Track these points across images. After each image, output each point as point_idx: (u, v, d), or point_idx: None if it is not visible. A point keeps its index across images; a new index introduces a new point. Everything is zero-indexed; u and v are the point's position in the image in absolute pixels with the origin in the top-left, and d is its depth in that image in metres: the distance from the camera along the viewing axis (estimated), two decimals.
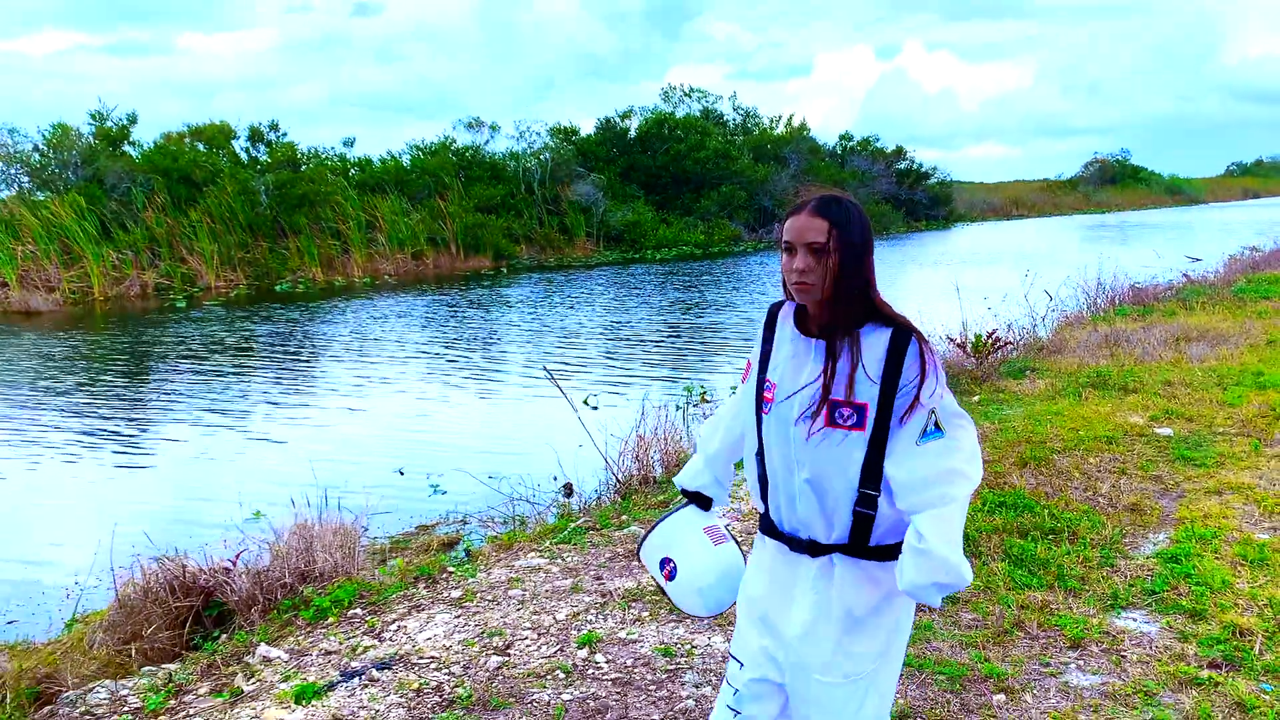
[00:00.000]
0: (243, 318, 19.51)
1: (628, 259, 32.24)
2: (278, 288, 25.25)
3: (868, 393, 2.04)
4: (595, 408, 10.21)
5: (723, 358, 13.67)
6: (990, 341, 9.20)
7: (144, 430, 10.31)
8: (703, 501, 2.51)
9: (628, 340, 15.68)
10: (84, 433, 10.14)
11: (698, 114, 41.87)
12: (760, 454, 2.23)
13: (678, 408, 8.53)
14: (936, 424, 2.03)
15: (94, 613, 5.75)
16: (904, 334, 2.04)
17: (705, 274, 26.93)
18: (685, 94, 42.75)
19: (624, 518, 5.77)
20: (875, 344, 2.05)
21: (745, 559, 2.43)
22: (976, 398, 8.09)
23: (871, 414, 2.04)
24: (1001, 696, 3.36)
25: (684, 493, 2.53)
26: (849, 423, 2.05)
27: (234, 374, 13.26)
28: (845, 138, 48.94)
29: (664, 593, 2.48)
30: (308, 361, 14.27)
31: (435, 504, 7.54)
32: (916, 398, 2.02)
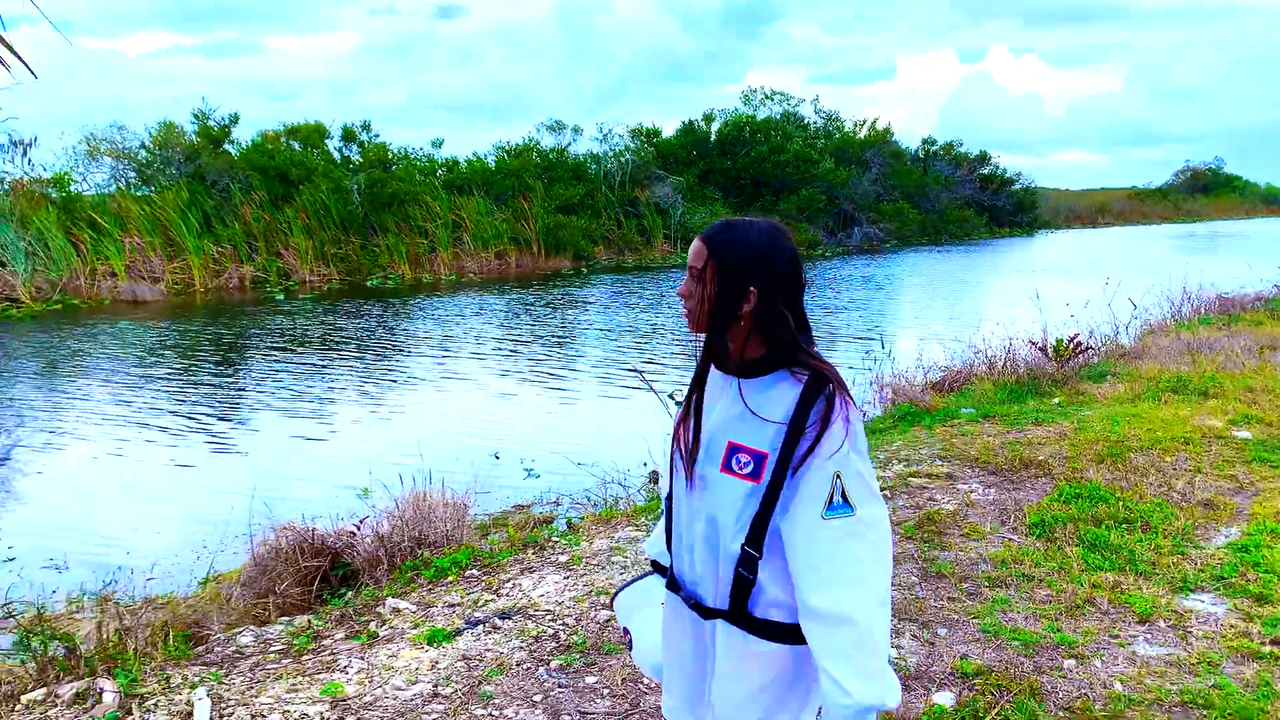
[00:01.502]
0: (337, 311, 20.31)
1: None
2: (368, 283, 26.13)
3: (769, 440, 1.84)
4: (680, 403, 10.58)
5: None
6: (1071, 346, 9.35)
7: (251, 412, 10.95)
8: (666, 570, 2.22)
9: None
10: (196, 415, 10.83)
11: (778, 117, 42.00)
12: (670, 498, 2.09)
13: None
14: (844, 495, 1.80)
15: (225, 573, 6.28)
16: (819, 380, 1.84)
17: None
18: (767, 96, 42.92)
19: None
20: (787, 390, 1.86)
21: None
22: (1056, 400, 8.28)
23: (770, 466, 1.84)
24: (1072, 662, 3.65)
25: (651, 562, 2.31)
26: (745, 470, 1.87)
27: (331, 363, 13.93)
28: (928, 142, 48.60)
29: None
30: (400, 353, 14.90)
31: (530, 486, 7.98)
32: (814, 447, 1.80)
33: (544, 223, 31.04)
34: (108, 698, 3.59)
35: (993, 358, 9.74)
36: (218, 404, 11.41)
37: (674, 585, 2.09)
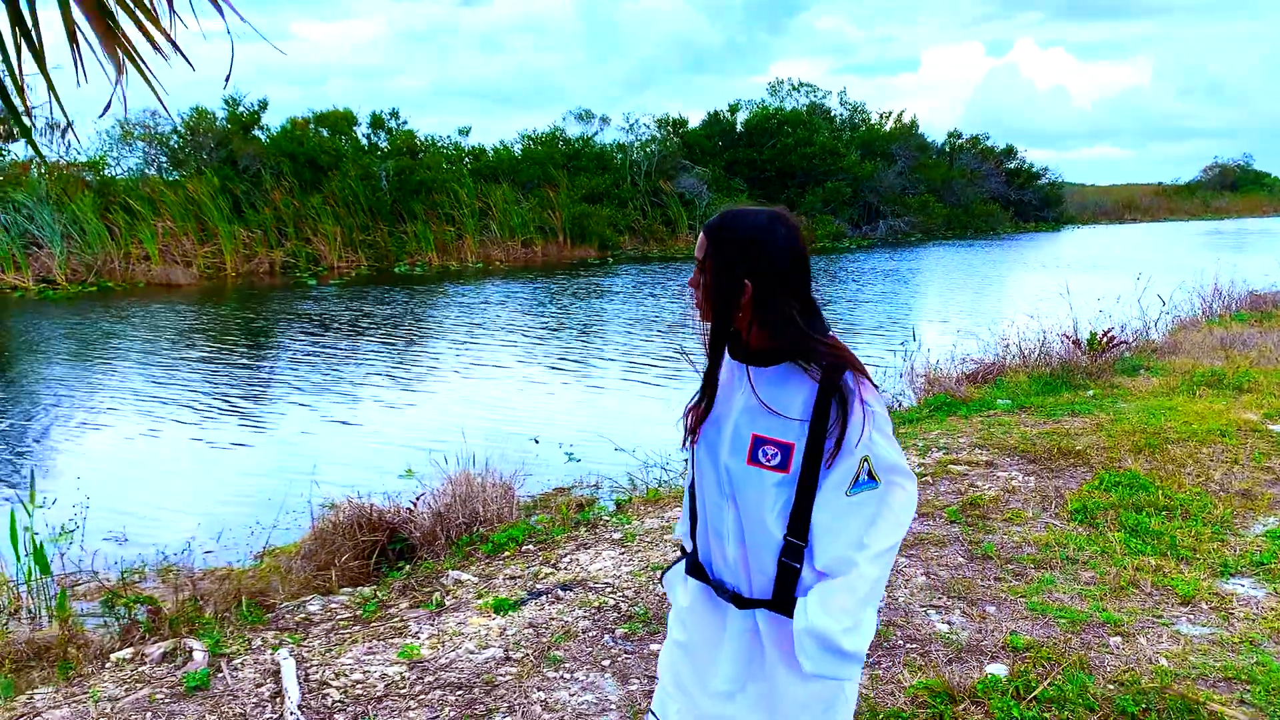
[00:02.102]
0: (368, 297, 20.55)
1: None
2: (396, 270, 26.39)
3: (794, 432, 1.88)
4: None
5: None
6: (1105, 340, 9.45)
7: (285, 396, 11.17)
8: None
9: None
10: (232, 397, 11.06)
11: (804, 108, 41.99)
12: (694, 487, 2.11)
13: None
14: (870, 473, 1.87)
15: (280, 547, 6.49)
16: (836, 369, 1.86)
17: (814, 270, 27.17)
18: (793, 88, 42.93)
19: None
20: (803, 380, 1.89)
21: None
22: (1091, 392, 8.38)
23: (798, 456, 1.87)
24: (1118, 639, 3.78)
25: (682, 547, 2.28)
26: (772, 463, 1.89)
27: (363, 349, 14.15)
28: (954, 135, 48.49)
29: None
30: (431, 339, 15.11)
31: (569, 470, 8.14)
32: (841, 440, 1.85)
33: (570, 212, 31.22)
34: (197, 656, 3.78)
35: (1027, 351, 9.84)
36: (254, 387, 11.63)
37: (699, 573, 2.11)
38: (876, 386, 1.93)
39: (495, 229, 29.97)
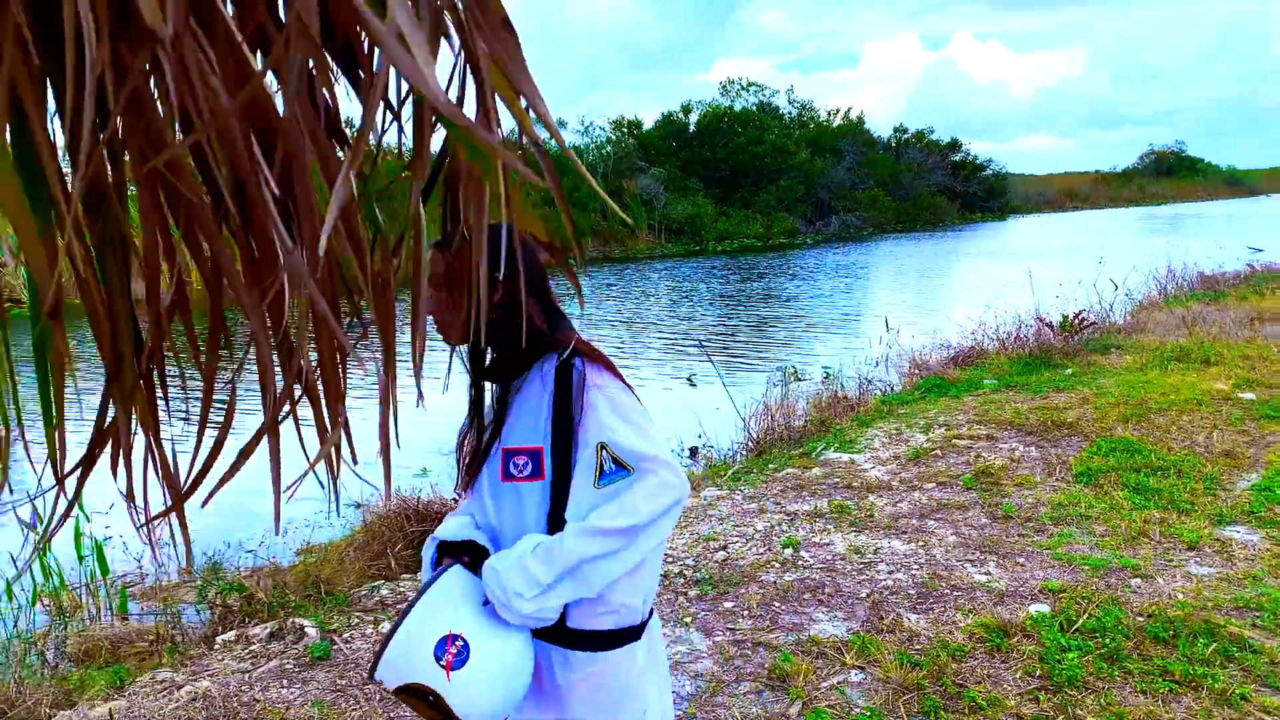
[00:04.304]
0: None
1: (690, 251, 33.18)
2: None
3: (539, 435, 1.78)
4: (694, 385, 11.18)
5: (799, 344, 14.58)
6: (1076, 322, 10.01)
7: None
8: (473, 560, 1.92)
9: (707, 328, 16.62)
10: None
11: (754, 107, 42.69)
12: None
13: (775, 384, 9.45)
14: (616, 460, 1.72)
15: (325, 544, 6.78)
16: (566, 362, 1.77)
17: (768, 267, 27.77)
18: (743, 87, 43.61)
19: (770, 467, 6.69)
20: (544, 380, 1.79)
21: None
22: (1070, 370, 8.93)
23: (548, 458, 1.77)
24: (1138, 580, 4.25)
25: (445, 550, 1.93)
26: (524, 473, 1.79)
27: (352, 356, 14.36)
28: (900, 130, 49.56)
29: (431, 701, 1.72)
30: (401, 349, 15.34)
31: None
32: (576, 431, 1.75)
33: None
34: (310, 632, 4.09)
35: (1004, 335, 10.38)
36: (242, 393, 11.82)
37: None
38: (620, 375, 1.84)
39: None
